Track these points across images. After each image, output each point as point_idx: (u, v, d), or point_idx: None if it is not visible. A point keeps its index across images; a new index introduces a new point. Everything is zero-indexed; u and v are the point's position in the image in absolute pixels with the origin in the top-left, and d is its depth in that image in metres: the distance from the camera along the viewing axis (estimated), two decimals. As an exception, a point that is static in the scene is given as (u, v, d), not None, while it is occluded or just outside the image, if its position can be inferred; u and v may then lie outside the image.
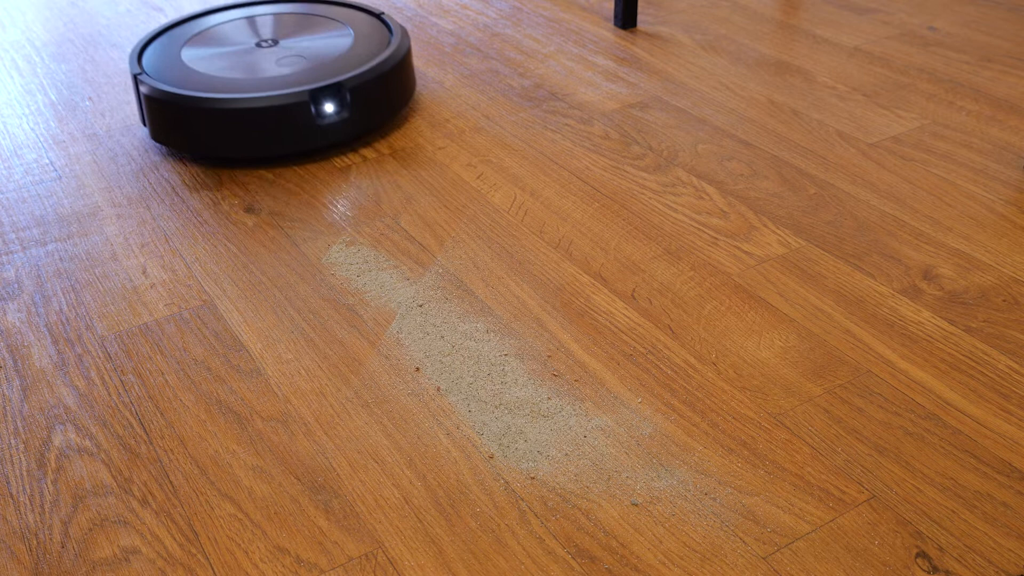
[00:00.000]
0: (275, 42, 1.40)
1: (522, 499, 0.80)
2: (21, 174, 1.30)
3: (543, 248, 1.11)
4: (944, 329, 0.96)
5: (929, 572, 0.73)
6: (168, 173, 1.29)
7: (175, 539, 0.78)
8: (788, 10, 1.72)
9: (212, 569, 0.75)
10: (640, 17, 1.72)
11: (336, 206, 1.20)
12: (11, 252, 1.14)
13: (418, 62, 1.58)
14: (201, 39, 1.41)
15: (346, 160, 1.30)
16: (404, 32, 1.41)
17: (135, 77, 1.31)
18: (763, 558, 0.74)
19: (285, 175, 1.27)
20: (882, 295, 1.01)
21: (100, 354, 0.98)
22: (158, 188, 1.26)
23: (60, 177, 1.29)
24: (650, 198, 1.19)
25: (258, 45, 1.39)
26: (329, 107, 1.27)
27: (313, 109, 1.26)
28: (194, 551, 0.77)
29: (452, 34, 1.69)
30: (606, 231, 1.13)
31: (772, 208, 1.16)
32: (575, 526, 0.77)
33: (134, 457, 0.85)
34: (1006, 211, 1.14)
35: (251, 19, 1.48)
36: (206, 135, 1.27)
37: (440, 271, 1.08)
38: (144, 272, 1.10)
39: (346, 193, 1.23)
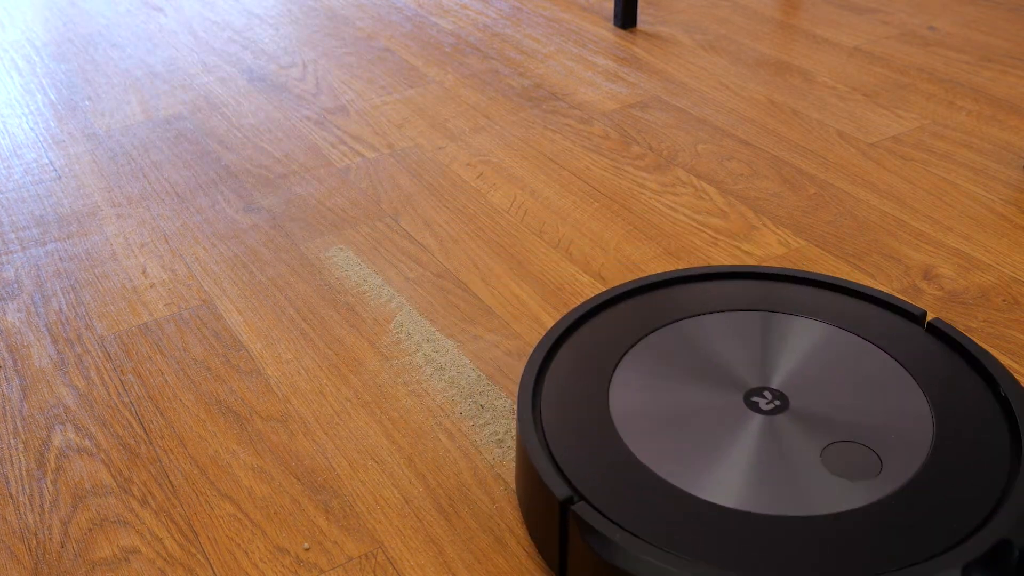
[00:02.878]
0: (782, 399, 0.72)
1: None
2: (21, 174, 1.30)
3: (543, 248, 1.11)
4: (944, 329, 0.96)
5: (929, 572, 0.72)
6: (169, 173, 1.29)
7: (175, 539, 0.78)
8: (788, 10, 1.72)
9: (212, 569, 0.75)
10: (640, 17, 1.72)
11: (336, 206, 1.20)
12: (11, 252, 1.14)
13: (418, 62, 1.58)
14: (637, 381, 0.76)
15: (346, 160, 1.30)
16: None
17: (564, 506, 0.66)
18: (763, 558, 0.74)
19: (285, 175, 1.27)
20: (882, 295, 1.01)
21: (100, 354, 0.98)
22: (158, 188, 1.26)
23: (60, 177, 1.29)
24: (650, 198, 1.19)
25: (752, 403, 0.72)
26: None
27: None
28: (194, 551, 0.77)
29: (452, 34, 1.69)
30: (606, 231, 1.13)
31: (772, 208, 1.16)
32: (575, 526, 0.77)
33: (134, 457, 0.85)
34: (1006, 211, 1.14)
35: (704, 327, 0.80)
36: None
37: (440, 271, 1.08)
38: (144, 272, 1.10)
39: (346, 193, 1.23)
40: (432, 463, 0.84)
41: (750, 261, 1.07)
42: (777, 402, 0.73)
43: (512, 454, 0.83)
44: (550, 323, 0.99)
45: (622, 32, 1.66)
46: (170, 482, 0.83)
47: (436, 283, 1.06)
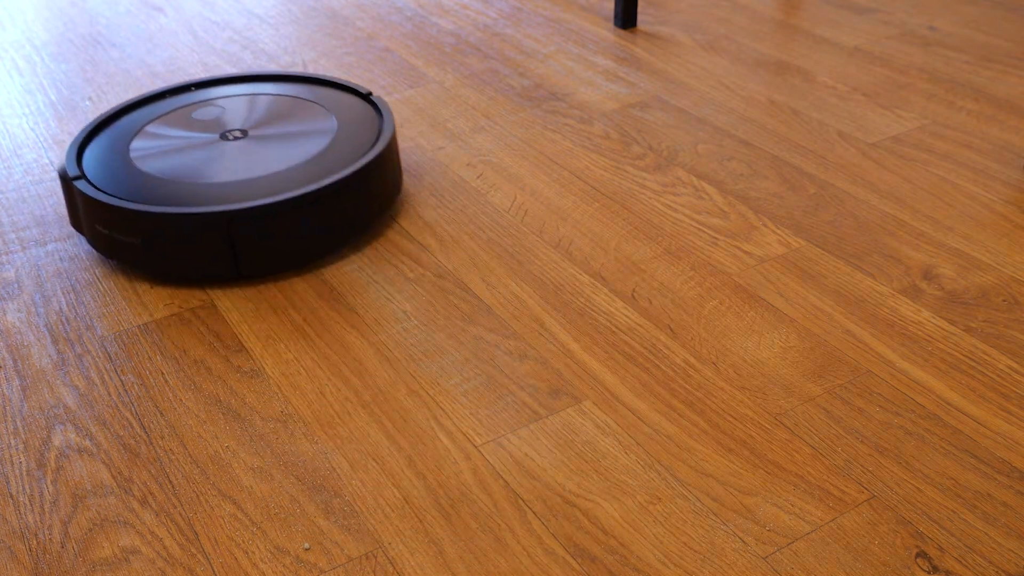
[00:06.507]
0: (244, 134, 1.17)
1: (522, 499, 0.80)
2: (21, 174, 1.30)
3: (543, 248, 1.11)
4: (944, 329, 0.96)
5: (929, 572, 0.73)
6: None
7: (175, 539, 0.78)
8: (788, 10, 1.72)
9: (212, 569, 0.75)
10: (640, 17, 1.72)
11: (336, 206, 1.20)
12: (11, 252, 1.14)
13: (418, 62, 1.58)
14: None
15: (346, 160, 1.30)
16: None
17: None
18: (763, 558, 0.74)
19: (285, 175, 1.27)
20: (882, 295, 1.01)
21: (100, 354, 0.98)
22: (158, 188, 1.26)
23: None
24: (650, 198, 1.19)
25: (223, 136, 1.17)
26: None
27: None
28: (194, 551, 0.77)
29: (452, 34, 1.69)
30: (606, 231, 1.13)
31: (772, 208, 1.16)
32: (575, 526, 0.77)
33: (134, 457, 0.85)
34: (1006, 211, 1.14)
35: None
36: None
37: (440, 271, 1.08)
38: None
39: (346, 193, 1.23)
40: (432, 463, 0.84)
41: (750, 261, 1.07)
42: (239, 135, 1.18)
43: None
44: (550, 323, 0.99)
45: (622, 32, 1.66)
46: (170, 482, 0.83)
47: (436, 283, 1.06)
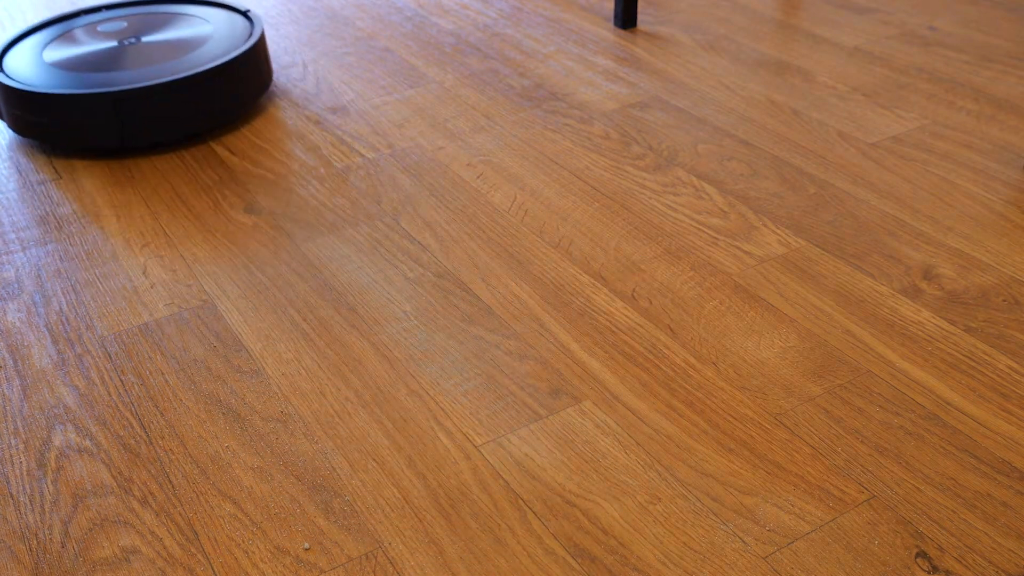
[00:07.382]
0: (138, 39, 1.44)
1: (522, 499, 0.80)
2: (21, 174, 1.30)
3: (543, 248, 1.11)
4: (944, 329, 0.96)
5: (929, 572, 0.73)
6: (166, 168, 1.29)
7: (175, 539, 0.78)
8: (788, 10, 1.72)
9: (212, 569, 0.75)
10: (640, 17, 1.72)
11: (336, 206, 1.20)
12: (11, 252, 1.14)
13: (418, 62, 1.58)
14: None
15: (346, 160, 1.30)
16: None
17: None
18: (763, 558, 0.74)
19: (285, 175, 1.27)
20: (882, 295, 1.01)
21: (100, 354, 0.98)
22: (158, 188, 1.26)
23: (60, 177, 1.29)
24: (650, 198, 1.19)
25: (120, 43, 1.43)
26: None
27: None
28: (194, 551, 0.77)
29: (452, 34, 1.69)
30: (606, 231, 1.13)
31: (772, 208, 1.16)
32: (575, 526, 0.77)
33: (134, 457, 0.85)
34: (1006, 211, 1.14)
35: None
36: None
37: (440, 271, 1.08)
38: (144, 272, 1.10)
39: (346, 193, 1.23)
40: (432, 463, 0.84)
41: (750, 261, 1.07)
42: (134, 40, 1.44)
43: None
44: (550, 323, 0.99)
45: (622, 32, 1.66)
46: (170, 482, 0.83)
47: (436, 283, 1.06)
